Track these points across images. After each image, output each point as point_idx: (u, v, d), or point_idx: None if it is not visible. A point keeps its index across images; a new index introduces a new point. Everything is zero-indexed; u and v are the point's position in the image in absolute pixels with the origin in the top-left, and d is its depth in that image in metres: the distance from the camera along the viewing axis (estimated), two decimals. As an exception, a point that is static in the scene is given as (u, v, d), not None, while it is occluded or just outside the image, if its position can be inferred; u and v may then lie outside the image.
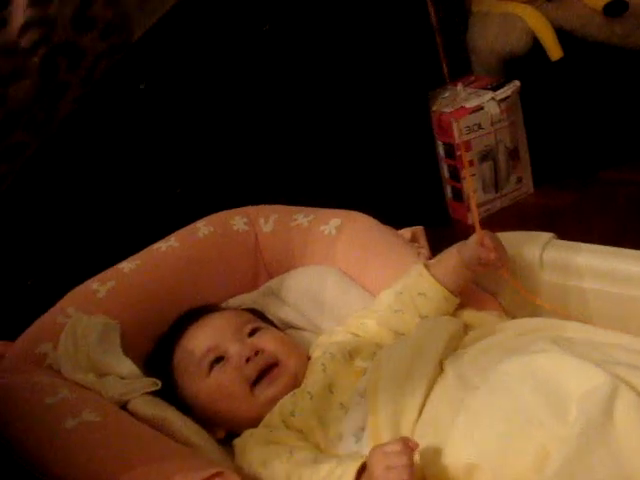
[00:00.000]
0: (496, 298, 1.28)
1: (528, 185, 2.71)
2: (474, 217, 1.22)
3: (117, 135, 1.91)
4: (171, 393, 1.21)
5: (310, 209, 1.45)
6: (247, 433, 1.15)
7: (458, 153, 2.52)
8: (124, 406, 1.17)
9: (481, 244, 1.19)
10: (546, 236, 1.24)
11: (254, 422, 1.16)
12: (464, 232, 2.66)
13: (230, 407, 1.19)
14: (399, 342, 1.15)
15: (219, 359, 1.21)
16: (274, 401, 1.16)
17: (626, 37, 2.56)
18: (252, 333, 1.23)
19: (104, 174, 1.89)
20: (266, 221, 1.45)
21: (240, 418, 1.19)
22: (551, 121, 2.69)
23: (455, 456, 0.97)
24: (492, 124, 2.55)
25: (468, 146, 2.53)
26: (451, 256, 1.24)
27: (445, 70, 2.71)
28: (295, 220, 1.43)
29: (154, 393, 1.19)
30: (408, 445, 0.93)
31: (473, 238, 1.21)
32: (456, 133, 2.50)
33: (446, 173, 2.60)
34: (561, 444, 0.92)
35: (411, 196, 2.40)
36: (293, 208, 1.47)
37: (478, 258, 1.19)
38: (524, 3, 2.56)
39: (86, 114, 1.84)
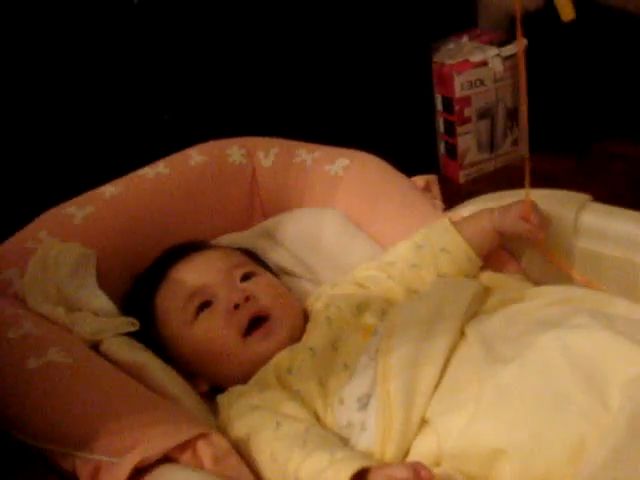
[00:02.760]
0: (516, 259, 1.12)
1: (523, 148, 2.56)
2: (526, 180, 1.03)
3: (105, 53, 1.73)
4: (150, 337, 1.04)
5: (314, 145, 1.28)
6: (234, 391, 0.99)
7: (457, 108, 2.37)
8: (96, 347, 1.00)
9: (525, 218, 1.03)
10: (582, 197, 1.08)
11: (243, 377, 1.00)
12: (454, 190, 2.53)
13: (218, 359, 1.02)
14: (415, 300, 0.99)
15: (207, 303, 1.04)
16: (267, 357, 1.00)
17: (641, 4, 2.41)
18: (245, 278, 1.06)
19: (89, 94, 1.71)
20: (266, 155, 1.28)
21: (228, 372, 1.02)
22: (555, 85, 2.54)
23: (478, 437, 0.82)
24: (494, 81, 2.40)
25: (468, 102, 2.38)
26: (482, 219, 1.08)
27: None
28: (298, 156, 1.26)
29: (131, 335, 1.03)
30: (420, 475, 0.76)
31: (515, 209, 1.04)
32: (457, 87, 2.34)
33: (441, 127, 2.45)
34: (604, 435, 0.77)
35: (403, 147, 2.23)
36: (296, 143, 1.29)
37: (517, 233, 1.04)
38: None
39: (72, 30, 1.67)
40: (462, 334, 0.92)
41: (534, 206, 1.04)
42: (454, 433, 0.83)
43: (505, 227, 1.06)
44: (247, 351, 1.01)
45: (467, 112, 2.39)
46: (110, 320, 1.03)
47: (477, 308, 0.98)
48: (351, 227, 1.19)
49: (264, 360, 1.00)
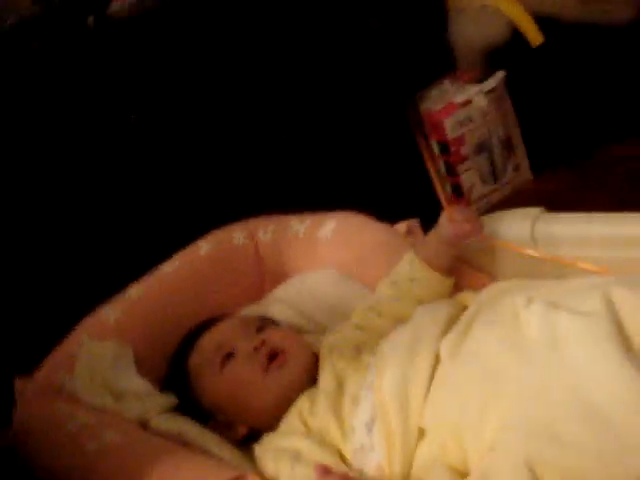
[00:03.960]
0: (494, 277, 1.30)
1: (526, 172, 2.73)
2: (440, 194, 1.24)
3: (105, 164, 1.93)
4: (190, 406, 1.24)
5: (304, 215, 1.49)
6: (265, 440, 1.19)
7: (453, 149, 2.56)
8: (145, 425, 1.20)
9: (451, 220, 1.23)
10: (534, 211, 1.27)
11: (272, 414, 1.20)
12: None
13: (246, 398, 1.21)
14: (398, 331, 1.19)
15: (230, 355, 1.24)
16: (287, 388, 1.20)
17: (601, 15, 2.60)
18: (260, 330, 1.27)
19: (99, 202, 1.91)
20: (265, 232, 1.49)
21: (257, 409, 1.22)
22: (540, 106, 2.72)
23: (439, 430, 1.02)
24: (483, 116, 2.58)
25: (462, 141, 2.56)
26: (432, 238, 1.29)
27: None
28: (292, 227, 1.47)
29: (174, 410, 1.23)
30: None
31: (443, 217, 1.26)
32: (448, 130, 2.53)
33: (443, 170, 2.63)
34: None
35: (407, 193, 2.42)
36: (288, 216, 1.51)
37: (455, 235, 1.24)
38: (498, -8, 2.60)
39: (75, 144, 1.88)
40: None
41: (457, 207, 1.28)
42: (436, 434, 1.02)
43: (444, 235, 1.26)
44: (268, 384, 1.20)
45: (463, 151, 2.57)
46: (152, 400, 1.23)
47: (452, 325, 1.15)
48: (346, 281, 1.40)
49: (285, 392, 1.19)
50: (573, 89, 2.71)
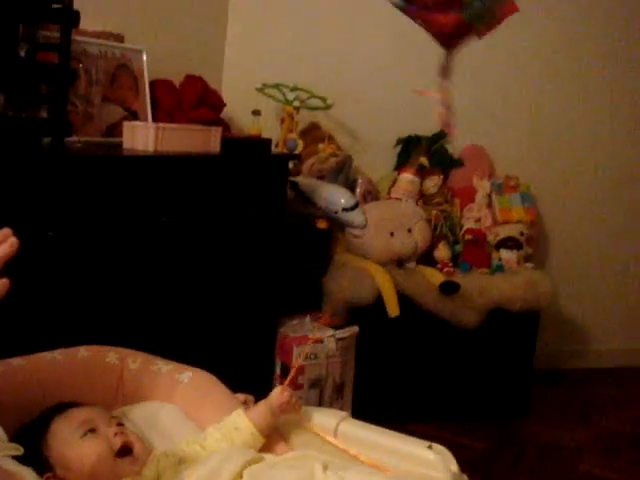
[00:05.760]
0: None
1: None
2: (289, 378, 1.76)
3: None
4: (35, 458, 1.59)
5: (171, 361, 1.93)
6: None
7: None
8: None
9: (281, 394, 1.73)
10: (344, 413, 1.76)
11: None
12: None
13: (89, 467, 1.59)
14: (214, 454, 1.62)
15: (93, 430, 1.63)
16: (124, 475, 1.58)
17: (454, 314, 3.23)
18: (119, 425, 1.68)
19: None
20: (134, 361, 1.91)
21: (92, 478, 1.59)
22: (378, 368, 3.28)
23: None
24: (327, 357, 3.10)
25: (302, 370, 3.05)
26: (262, 403, 1.75)
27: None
28: (156, 364, 1.90)
29: (19, 459, 1.59)
30: None
31: (275, 390, 1.75)
32: (294, 357, 3.03)
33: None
34: None
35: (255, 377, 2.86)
36: (158, 357, 1.94)
37: (279, 405, 1.72)
38: (377, 263, 3.22)
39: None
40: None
41: (288, 387, 1.75)
42: None
43: (272, 400, 1.74)
44: (117, 469, 1.60)
45: (300, 380, 3.06)
46: (2, 445, 1.59)
47: (255, 463, 1.60)
48: (184, 417, 1.81)
49: (121, 477, 1.58)
50: (409, 365, 3.29)
